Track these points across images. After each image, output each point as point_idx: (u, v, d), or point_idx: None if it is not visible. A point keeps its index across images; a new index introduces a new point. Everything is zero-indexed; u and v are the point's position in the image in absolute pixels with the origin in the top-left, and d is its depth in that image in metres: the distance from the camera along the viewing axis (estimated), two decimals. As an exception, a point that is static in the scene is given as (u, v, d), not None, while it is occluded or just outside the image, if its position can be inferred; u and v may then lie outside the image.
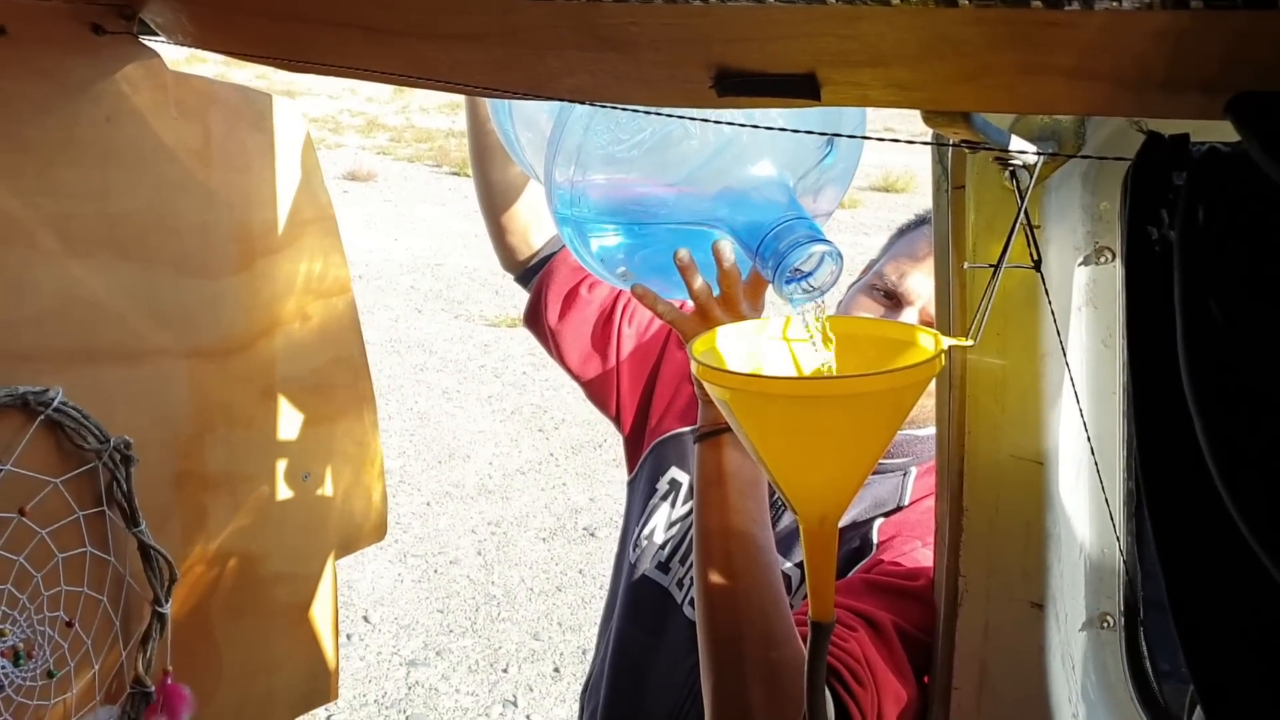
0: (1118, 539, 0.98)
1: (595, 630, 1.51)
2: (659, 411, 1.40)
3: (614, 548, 1.49)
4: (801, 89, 0.71)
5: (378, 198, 10.62)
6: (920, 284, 1.19)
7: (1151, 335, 0.61)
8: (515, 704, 3.43)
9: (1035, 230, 0.87)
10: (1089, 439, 0.93)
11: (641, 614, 1.36)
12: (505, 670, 3.59)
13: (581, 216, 0.95)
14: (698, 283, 0.99)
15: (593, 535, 4.50)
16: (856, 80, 0.69)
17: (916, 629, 1.10)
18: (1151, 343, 0.61)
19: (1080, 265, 0.92)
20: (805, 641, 0.97)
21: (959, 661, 1.06)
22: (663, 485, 1.37)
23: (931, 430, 1.23)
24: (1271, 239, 0.57)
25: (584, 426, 5.58)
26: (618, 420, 1.44)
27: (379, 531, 1.41)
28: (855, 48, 0.62)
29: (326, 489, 1.33)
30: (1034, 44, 0.56)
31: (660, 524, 1.35)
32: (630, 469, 1.45)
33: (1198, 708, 0.82)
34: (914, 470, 1.25)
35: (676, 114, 0.87)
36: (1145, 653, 1.05)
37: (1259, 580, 0.53)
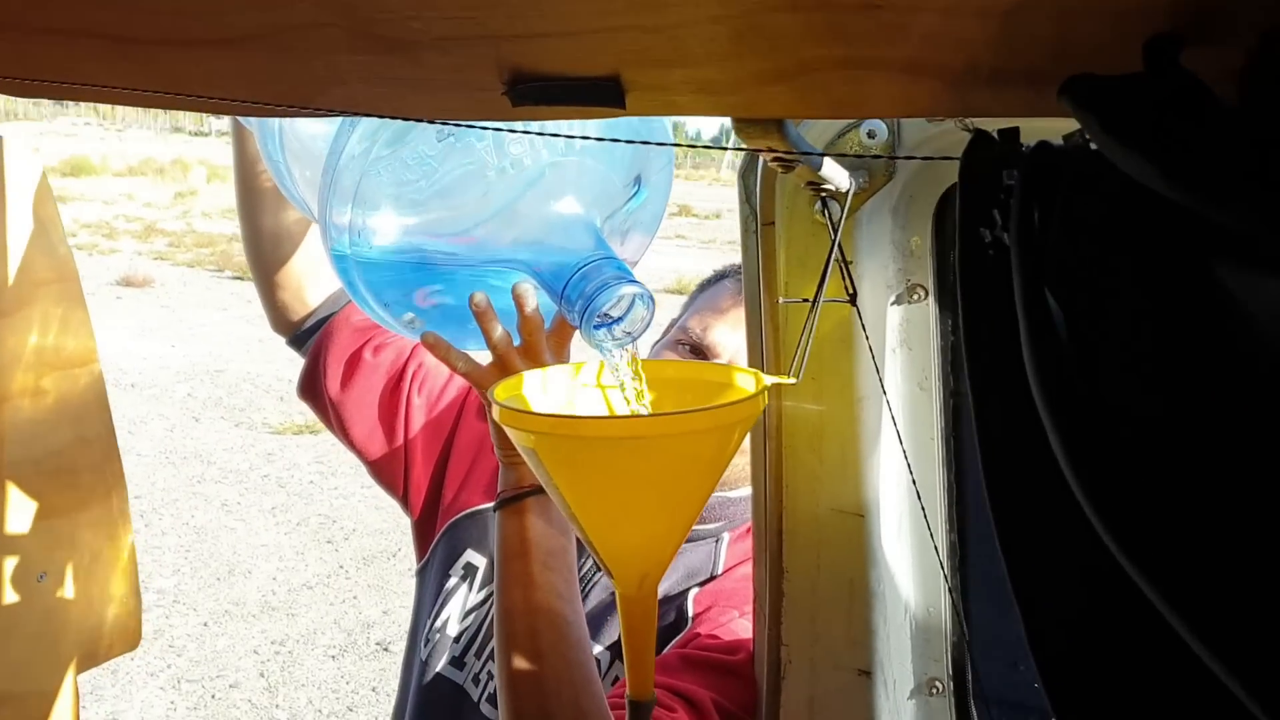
0: (946, 584, 0.93)
1: None
2: (454, 488, 1.29)
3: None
4: (604, 95, 0.65)
5: (154, 303, 10.08)
6: (725, 336, 1.15)
7: (990, 341, 0.56)
8: (301, 838, 3.13)
9: (849, 265, 0.83)
10: (914, 483, 0.89)
11: (434, 719, 1.22)
12: (290, 802, 3.30)
13: (362, 255, 0.85)
14: (497, 331, 0.91)
15: (386, 650, 4.24)
16: (663, 84, 0.63)
17: (738, 707, 1.02)
18: (991, 349, 0.56)
19: (893, 305, 0.88)
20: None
21: (785, 743, 0.99)
22: (457, 570, 1.25)
23: (745, 492, 1.17)
24: (1107, 232, 0.53)
25: (377, 536, 5.32)
26: (406, 502, 1.32)
27: (131, 639, 1.23)
28: (661, 43, 0.56)
29: (66, 590, 1.15)
30: (853, 35, 0.52)
31: (455, 613, 1.23)
32: (420, 556, 1.33)
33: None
34: (727, 537, 1.18)
35: (465, 130, 0.79)
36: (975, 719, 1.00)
37: (1112, 580, 0.48)
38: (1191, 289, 0.50)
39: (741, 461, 1.14)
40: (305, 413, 7.24)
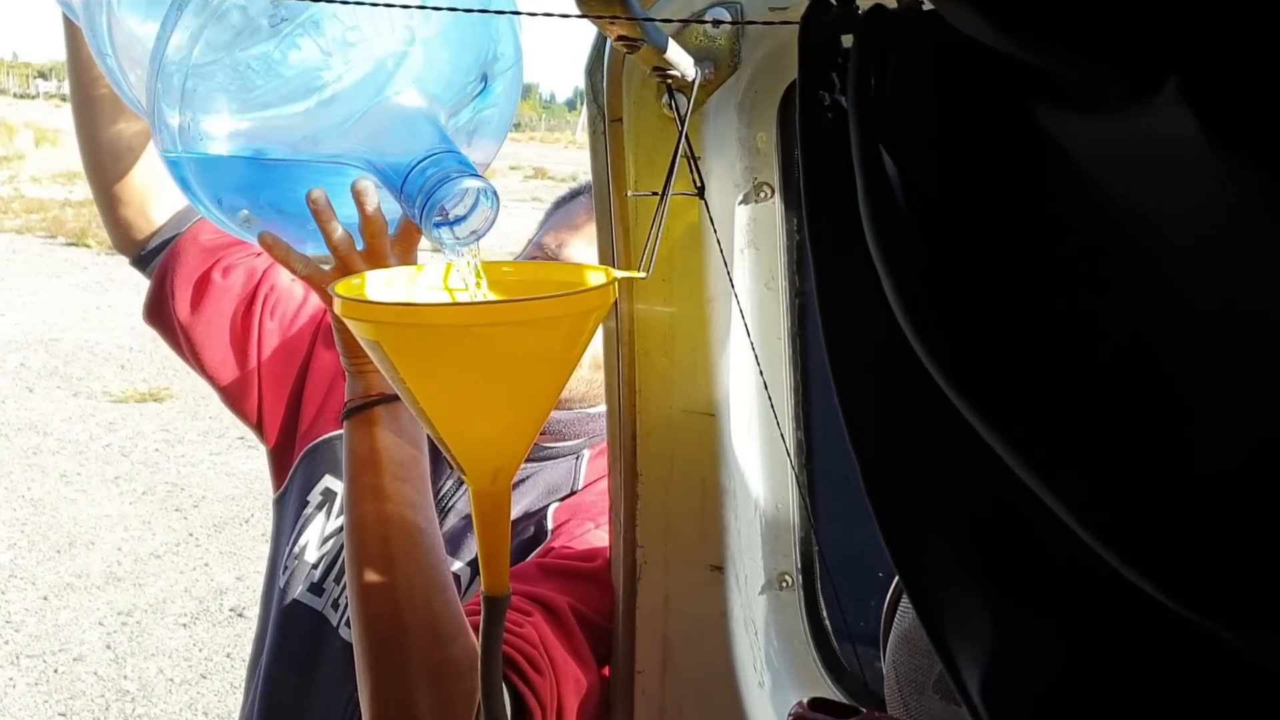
0: (794, 478, 0.96)
1: None
2: (310, 415, 1.25)
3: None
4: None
5: (-21, 271, 9.52)
6: (581, 252, 1.14)
7: (830, 202, 0.58)
8: (154, 807, 3.04)
9: (696, 161, 0.84)
10: (764, 382, 0.90)
11: (293, 647, 1.20)
12: (141, 771, 3.19)
13: (194, 153, 0.82)
14: (337, 231, 0.88)
15: (241, 616, 4.13)
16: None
17: (595, 612, 1.03)
18: (831, 211, 0.57)
19: (740, 204, 0.89)
20: (477, 634, 0.88)
21: (640, 642, 1.00)
22: (315, 496, 1.22)
23: (603, 408, 1.17)
24: (939, 88, 0.55)
25: (228, 502, 5.16)
26: (260, 429, 1.28)
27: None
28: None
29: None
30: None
31: (313, 539, 1.20)
32: (277, 485, 1.29)
33: (883, 654, 0.80)
34: (587, 454, 1.19)
35: (299, 21, 0.77)
36: (824, 613, 1.03)
37: (942, 424, 0.50)
38: (1017, 135, 0.52)
39: (599, 378, 1.15)
40: (148, 380, 6.96)
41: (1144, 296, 0.43)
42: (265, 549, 3.92)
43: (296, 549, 1.21)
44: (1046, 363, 0.45)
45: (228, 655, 3.84)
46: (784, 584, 1.01)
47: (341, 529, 1.20)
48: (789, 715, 0.64)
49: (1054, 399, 0.45)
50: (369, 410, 0.94)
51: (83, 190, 13.68)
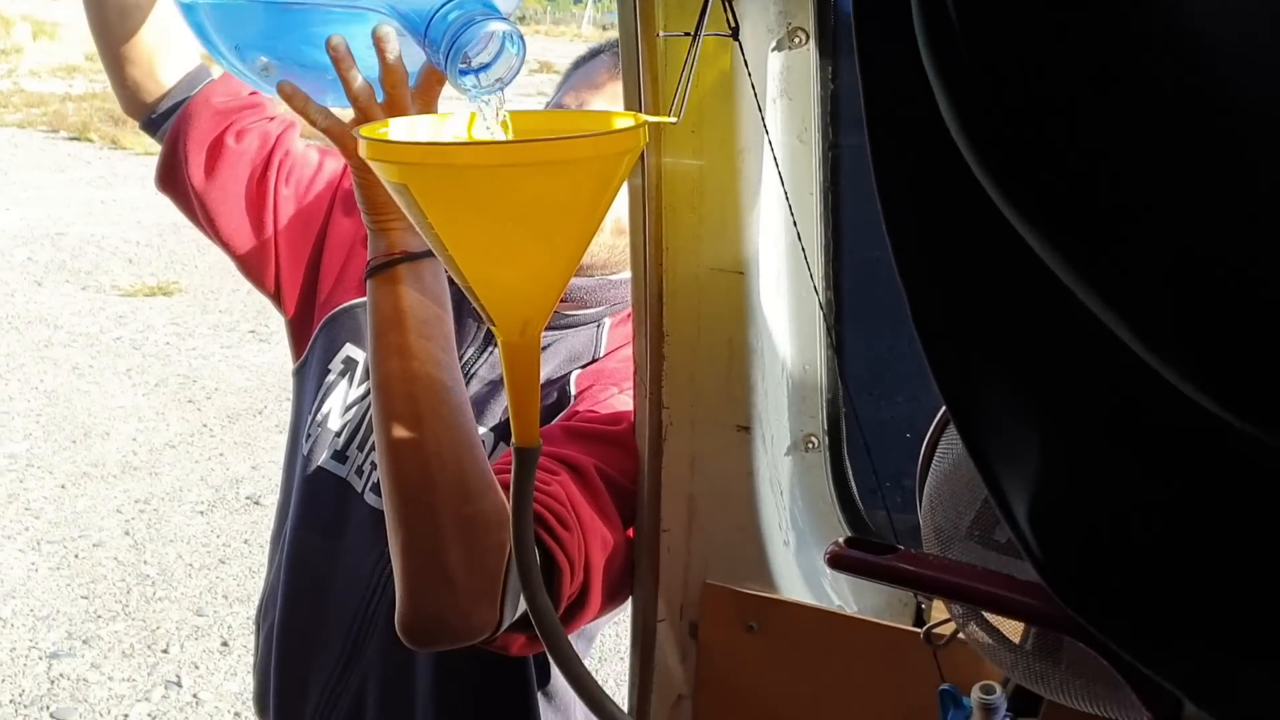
0: (823, 338, 0.95)
1: (254, 656, 1.32)
2: (328, 284, 1.24)
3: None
4: None
5: (-19, 166, 9.43)
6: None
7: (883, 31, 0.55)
8: (179, 684, 3.11)
9: (730, 1, 0.81)
10: (799, 235, 0.89)
11: (318, 513, 1.20)
12: (166, 650, 3.26)
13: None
14: (357, 81, 0.86)
15: (257, 504, 4.18)
16: None
17: (620, 474, 1.03)
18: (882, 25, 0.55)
19: (774, 50, 0.87)
20: (506, 492, 0.88)
21: (666, 501, 1.00)
22: (336, 365, 1.22)
23: (626, 275, 1.16)
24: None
25: (241, 394, 5.19)
26: (278, 299, 1.27)
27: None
28: None
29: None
30: None
31: (336, 407, 1.20)
32: (297, 355, 1.29)
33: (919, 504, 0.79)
34: (608, 322, 1.18)
35: None
36: (850, 474, 1.03)
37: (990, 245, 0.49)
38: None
39: (621, 243, 1.13)
40: (157, 274, 6.95)
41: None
42: (279, 440, 3.95)
43: (319, 417, 1.20)
44: (1107, 159, 0.43)
45: (245, 541, 3.90)
46: (810, 445, 1.01)
47: (363, 397, 1.20)
48: (825, 554, 0.64)
49: (1116, 201, 0.43)
50: (392, 268, 0.92)
51: (83, 84, 13.48)
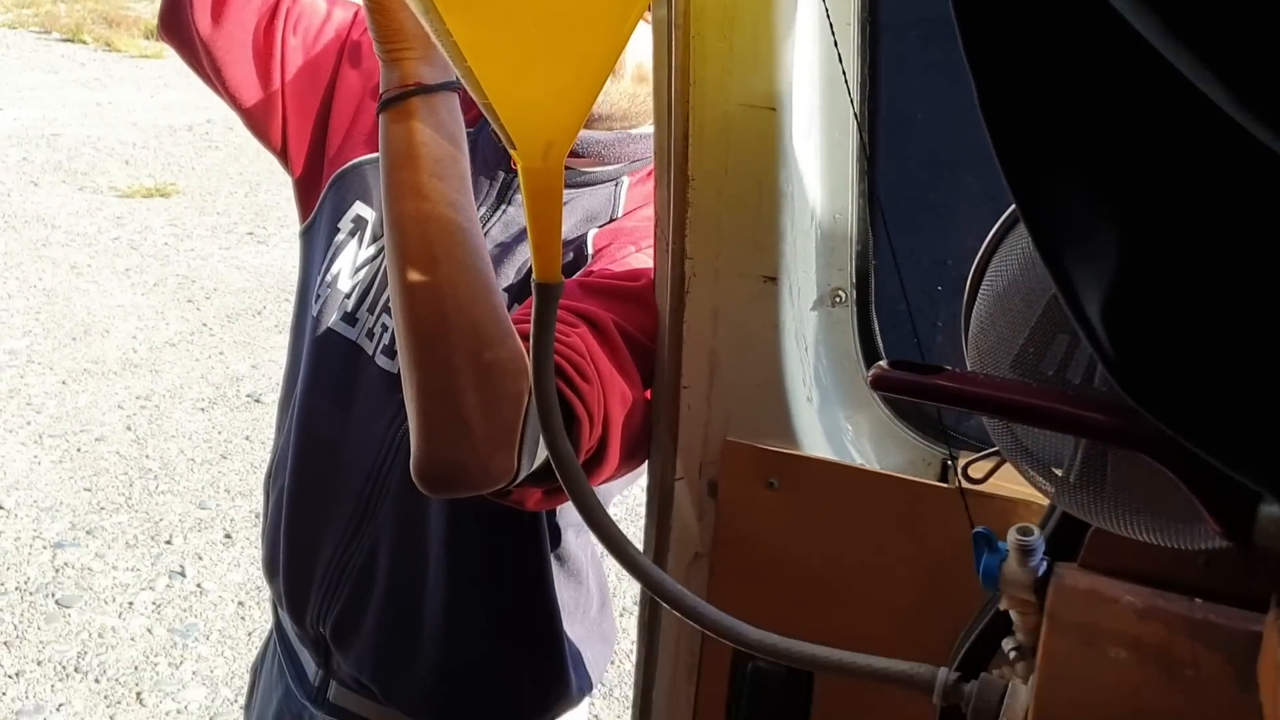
0: (855, 184, 0.91)
1: (262, 523, 1.30)
2: (337, 140, 1.19)
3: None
4: None
5: (-28, 66, 9.25)
6: None
7: None
8: (183, 574, 3.12)
9: None
10: (843, 69, 0.84)
11: (327, 377, 1.17)
12: (169, 542, 3.27)
13: None
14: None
15: (258, 401, 4.17)
16: None
17: (639, 332, 1.00)
18: None
19: None
20: (524, 343, 0.85)
21: (687, 356, 0.97)
22: (346, 224, 1.18)
23: (646, 130, 1.12)
24: None
25: (240, 295, 5.15)
26: (284, 156, 1.22)
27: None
28: None
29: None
30: None
31: (345, 268, 1.16)
32: (304, 216, 1.24)
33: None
34: (626, 180, 1.14)
35: None
36: (877, 330, 1.00)
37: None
38: None
39: (643, 92, 1.08)
40: (154, 175, 6.85)
41: None
42: (279, 340, 3.94)
43: (328, 278, 1.17)
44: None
45: (247, 438, 3.89)
46: (837, 299, 0.97)
47: (374, 257, 1.17)
48: (868, 376, 0.61)
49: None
50: (405, 102, 0.88)
51: (75, -16, 13.19)
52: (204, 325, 4.82)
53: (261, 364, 4.46)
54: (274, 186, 6.65)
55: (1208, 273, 0.45)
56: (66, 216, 6.06)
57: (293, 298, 1.27)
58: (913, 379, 0.59)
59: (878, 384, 0.60)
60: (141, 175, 6.76)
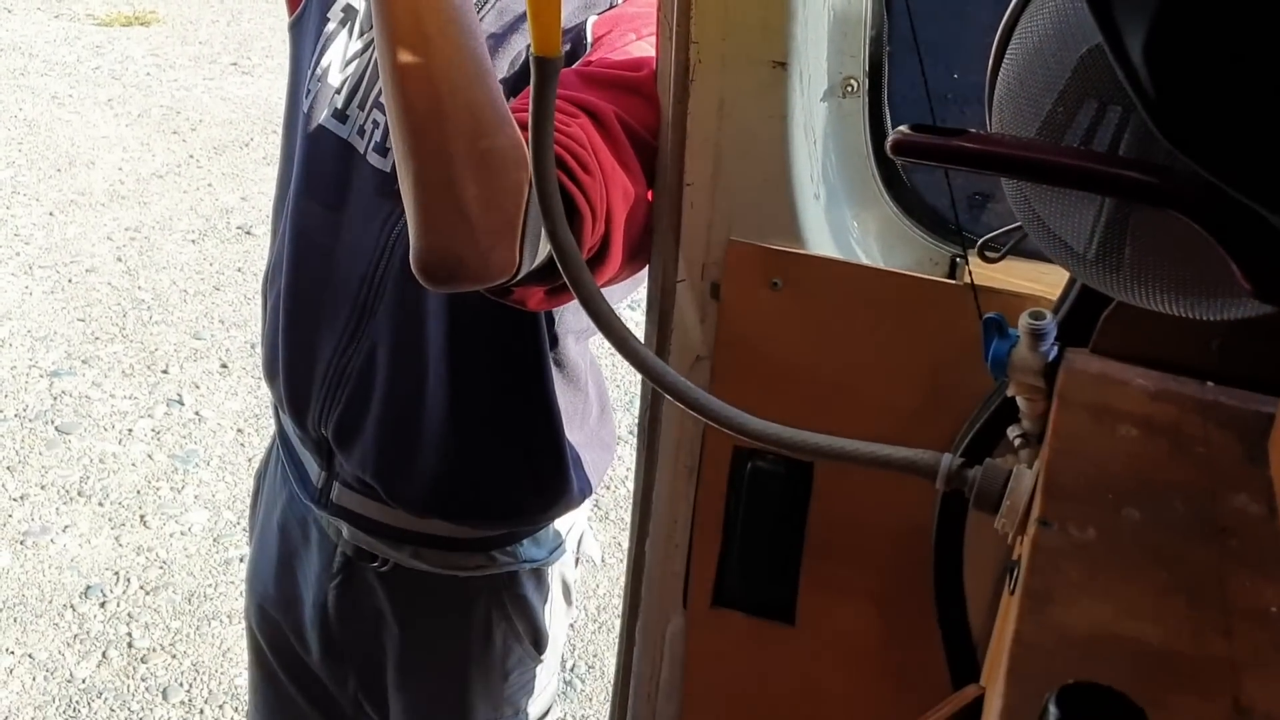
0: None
1: (261, 326, 1.27)
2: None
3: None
4: None
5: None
6: None
7: None
8: (181, 402, 3.14)
9: None
10: None
11: (320, 179, 1.14)
12: (166, 371, 3.27)
13: None
14: None
15: (249, 234, 4.12)
16: None
17: (641, 127, 0.96)
18: None
19: None
20: (523, 130, 0.81)
21: (690, 151, 0.94)
22: (336, 13, 1.12)
23: (649, -93, 1.05)
24: None
25: (226, 126, 5.04)
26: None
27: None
28: None
29: None
30: None
31: (336, 61, 1.11)
32: (292, 9, 1.19)
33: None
34: (627, -38, 1.08)
35: None
36: (889, 124, 0.96)
37: None
38: None
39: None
40: (133, 3, 6.61)
41: None
42: (268, 172, 3.86)
43: (319, 71, 1.12)
44: None
45: (238, 270, 3.86)
46: (849, 89, 0.93)
47: (364, 49, 1.12)
48: (888, 142, 0.58)
49: None
50: None
51: None
52: (190, 157, 4.73)
53: (251, 196, 4.39)
54: (256, 16, 6.44)
55: (1257, 4, 0.42)
56: (44, 45, 5.87)
57: (280, 129, 1.22)
58: (937, 142, 0.56)
59: (898, 149, 0.57)
60: (120, 2, 6.53)
